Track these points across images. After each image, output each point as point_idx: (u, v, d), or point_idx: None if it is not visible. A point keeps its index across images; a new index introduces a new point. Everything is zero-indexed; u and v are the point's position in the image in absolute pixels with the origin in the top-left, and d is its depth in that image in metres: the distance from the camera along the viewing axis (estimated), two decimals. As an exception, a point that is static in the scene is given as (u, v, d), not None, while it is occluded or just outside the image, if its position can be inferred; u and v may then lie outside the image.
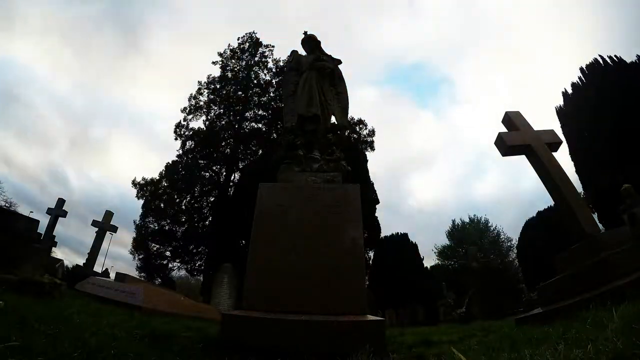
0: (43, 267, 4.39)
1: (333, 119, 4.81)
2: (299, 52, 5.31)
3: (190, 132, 21.35)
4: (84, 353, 1.56)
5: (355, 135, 21.17)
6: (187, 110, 21.77)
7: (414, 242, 19.95)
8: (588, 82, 15.27)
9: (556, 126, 14.88)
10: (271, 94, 22.32)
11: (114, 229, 13.29)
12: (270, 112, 21.94)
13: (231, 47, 23.52)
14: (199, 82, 22.54)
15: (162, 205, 19.44)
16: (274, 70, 22.90)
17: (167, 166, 20.34)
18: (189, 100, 22.06)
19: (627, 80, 13.28)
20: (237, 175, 20.51)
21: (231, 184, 20.46)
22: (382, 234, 19.47)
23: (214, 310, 7.70)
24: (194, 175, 20.03)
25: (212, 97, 22.28)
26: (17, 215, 4.96)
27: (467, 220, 34.63)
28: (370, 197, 18.03)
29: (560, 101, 16.20)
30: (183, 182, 19.77)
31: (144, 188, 19.70)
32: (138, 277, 15.39)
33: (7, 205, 20.73)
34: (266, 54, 23.43)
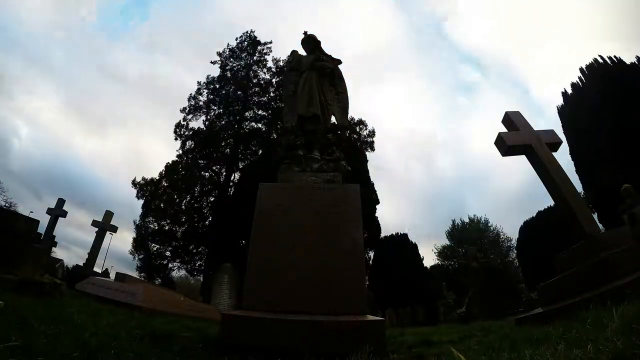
0: (43, 267, 4.39)
1: (333, 119, 4.81)
2: (299, 52, 5.32)
3: (190, 132, 21.36)
4: (84, 353, 1.56)
5: (355, 136, 21.18)
6: (186, 110, 21.78)
7: (414, 242, 19.98)
8: (588, 82, 15.28)
9: (556, 126, 14.88)
10: (271, 94, 22.32)
11: (114, 229, 13.29)
12: (270, 112, 21.94)
13: (230, 47, 23.53)
14: (198, 82, 22.60)
15: (162, 205, 19.44)
16: (273, 69, 22.91)
17: (167, 166, 20.35)
18: (189, 100, 22.10)
19: (627, 80, 13.29)
20: (237, 175, 20.53)
21: (231, 184, 20.47)
22: (382, 234, 19.50)
23: (214, 310, 7.70)
24: (194, 175, 20.04)
25: (211, 97, 22.29)
26: (17, 215, 4.96)
27: (467, 220, 34.67)
28: (370, 197, 18.04)
29: (560, 101, 16.23)
30: (183, 182, 19.78)
31: (144, 188, 19.71)
32: (138, 277, 15.40)
33: (7, 205, 20.71)
34: (265, 52, 23.42)
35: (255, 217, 3.45)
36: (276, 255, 3.20)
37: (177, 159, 20.80)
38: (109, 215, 12.63)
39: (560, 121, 15.86)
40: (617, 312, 1.71)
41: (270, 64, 23.14)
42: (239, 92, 22.52)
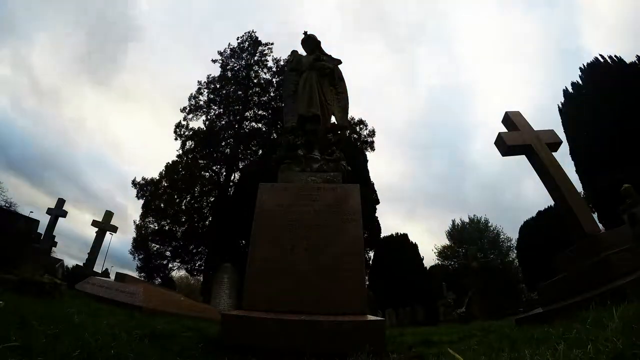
0: (43, 267, 4.39)
1: (333, 119, 4.81)
2: (299, 52, 5.32)
3: (190, 132, 21.36)
4: (84, 353, 1.56)
5: (355, 136, 21.18)
6: (186, 110, 21.78)
7: (414, 242, 19.96)
8: (588, 82, 15.28)
9: (556, 126, 14.87)
10: (271, 94, 22.32)
11: (114, 229, 13.29)
12: (270, 111, 21.94)
13: (231, 47, 23.54)
14: (198, 81, 22.58)
15: (162, 205, 19.44)
16: (274, 69, 22.91)
17: (167, 166, 20.35)
18: (189, 100, 22.09)
19: (627, 80, 13.29)
20: (237, 175, 20.53)
21: (231, 184, 20.47)
22: (382, 234, 19.50)
23: (214, 310, 7.69)
24: (194, 175, 20.04)
25: (211, 96, 22.29)
26: (17, 215, 4.96)
27: (467, 220, 34.68)
28: (370, 197, 18.04)
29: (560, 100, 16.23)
30: (183, 182, 19.77)
31: (144, 188, 19.71)
32: (138, 277, 15.40)
33: (7, 205, 20.72)
34: (265, 52, 23.44)
35: (255, 217, 3.46)
36: (276, 255, 3.20)
37: (177, 159, 20.81)
38: (108, 215, 12.63)
39: (560, 121, 15.86)
40: (617, 312, 1.71)
41: (270, 63, 23.18)
42: (239, 92, 22.52)
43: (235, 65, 23.26)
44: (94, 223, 12.34)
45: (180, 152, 20.92)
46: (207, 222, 19.85)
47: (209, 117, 21.87)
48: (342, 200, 3.53)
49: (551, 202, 5.92)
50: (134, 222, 19.63)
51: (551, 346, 1.59)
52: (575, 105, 15.15)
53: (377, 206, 19.40)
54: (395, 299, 15.78)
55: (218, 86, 22.49)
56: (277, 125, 20.05)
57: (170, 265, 19.60)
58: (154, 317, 4.20)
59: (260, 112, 22.54)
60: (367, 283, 16.28)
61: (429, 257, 31.41)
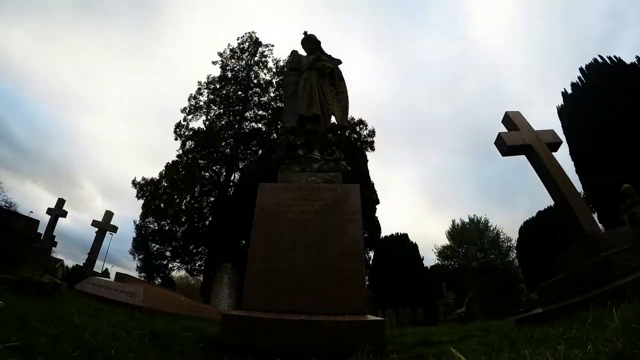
0: (43, 267, 4.39)
1: (333, 119, 4.81)
2: (299, 52, 5.32)
3: (190, 132, 21.36)
4: (84, 353, 1.56)
5: (355, 136, 21.18)
6: (187, 110, 21.78)
7: (414, 242, 19.97)
8: (588, 82, 15.28)
9: (556, 126, 14.87)
10: (271, 94, 22.33)
11: (114, 229, 13.29)
12: (270, 112, 21.95)
13: (231, 47, 23.56)
14: (198, 82, 22.58)
15: (162, 205, 19.43)
16: (274, 70, 22.93)
17: (167, 166, 20.34)
18: (189, 100, 22.09)
19: (627, 80, 13.29)
20: (237, 175, 20.52)
21: (231, 184, 20.47)
22: (382, 234, 19.50)
23: (214, 310, 7.70)
24: (194, 175, 20.03)
25: (211, 97, 22.29)
26: (17, 215, 4.96)
27: (467, 220, 34.70)
28: (370, 198, 18.04)
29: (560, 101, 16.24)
30: (183, 182, 19.76)
31: (144, 188, 19.70)
32: (138, 277, 15.40)
33: (7, 205, 20.72)
34: (266, 54, 23.48)
35: (255, 217, 3.46)
36: (276, 255, 3.20)
37: (177, 159, 20.80)
38: (108, 215, 12.63)
39: (560, 121, 15.86)
40: (617, 312, 1.71)
41: (270, 64, 23.20)
42: (239, 92, 22.54)
43: (236, 65, 23.28)
44: (94, 223, 12.34)
45: (180, 152, 20.94)
46: (207, 222, 19.84)
47: (209, 117, 21.88)
48: (342, 200, 3.53)
49: (551, 202, 5.93)
50: (134, 222, 19.65)
51: (551, 346, 1.59)
52: (575, 105, 15.15)
53: (377, 206, 19.41)
54: (395, 299, 15.78)
55: (218, 86, 22.49)
56: (277, 125, 20.05)
57: (170, 265, 19.60)
58: (154, 317, 4.20)
59: (260, 112, 22.54)
60: (367, 283, 16.28)
61: (429, 257, 31.49)
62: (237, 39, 23.86)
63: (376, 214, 19.03)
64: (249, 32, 23.97)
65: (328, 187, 3.69)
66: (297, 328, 2.57)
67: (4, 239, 3.66)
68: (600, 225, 5.37)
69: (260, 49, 23.61)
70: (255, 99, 22.61)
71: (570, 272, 3.30)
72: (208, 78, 22.62)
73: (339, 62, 5.12)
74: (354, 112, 22.04)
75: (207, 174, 21.01)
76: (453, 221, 35.00)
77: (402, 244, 19.21)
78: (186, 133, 21.32)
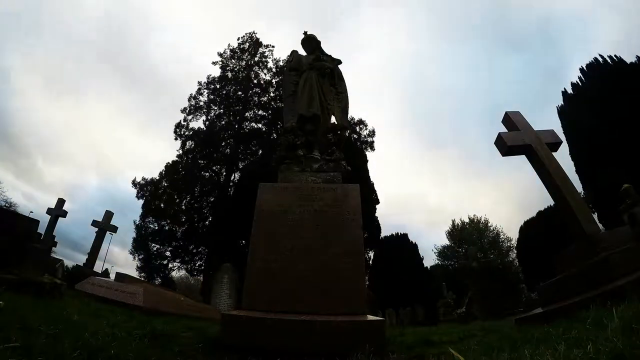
0: (43, 267, 4.39)
1: (333, 119, 4.81)
2: (299, 52, 5.32)
3: (190, 132, 21.38)
4: (84, 353, 1.56)
5: (355, 135, 21.19)
6: (187, 111, 21.81)
7: (413, 242, 19.98)
8: (588, 82, 15.28)
9: (556, 126, 14.87)
10: (271, 94, 22.34)
11: (114, 229, 13.28)
12: (270, 112, 21.96)
13: (231, 47, 23.57)
14: (198, 82, 22.63)
15: (162, 205, 19.44)
16: (274, 70, 22.94)
17: (167, 166, 20.36)
18: (189, 100, 22.13)
19: (627, 79, 13.29)
20: (237, 175, 20.54)
21: (231, 184, 20.48)
22: (382, 234, 19.51)
23: (214, 310, 7.70)
24: (194, 175, 20.04)
25: (212, 97, 22.32)
26: (17, 215, 4.96)
27: (467, 220, 34.70)
28: (370, 197, 18.04)
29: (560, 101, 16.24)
30: (183, 182, 19.77)
31: (144, 188, 19.72)
32: (138, 277, 15.39)
33: (7, 205, 20.72)
34: (266, 54, 23.50)
35: (255, 217, 3.46)
36: (276, 255, 3.20)
37: (177, 159, 20.82)
38: (109, 215, 12.63)
39: (560, 121, 15.86)
40: (617, 312, 1.71)
41: (270, 64, 23.22)
42: (239, 93, 22.55)
43: (236, 66, 23.31)
44: (94, 223, 12.34)
45: (180, 152, 20.95)
46: (207, 222, 19.85)
47: (209, 117, 21.91)
48: (342, 200, 3.53)
49: (551, 202, 5.93)
50: (134, 222, 19.65)
51: (551, 346, 1.58)
52: (575, 105, 15.15)
53: (377, 206, 19.42)
54: (395, 299, 15.78)
55: (218, 86, 22.52)
56: (277, 125, 20.06)
57: (170, 265, 19.61)
58: (154, 317, 4.20)
59: (260, 112, 22.57)
60: (367, 283, 16.28)
61: (429, 257, 31.48)
62: (238, 39, 23.94)
63: (376, 214, 19.05)
64: (249, 33, 24.03)
65: (328, 187, 3.69)
66: (297, 328, 2.57)
67: (4, 239, 3.66)
68: (600, 225, 5.37)
69: (260, 49, 23.65)
70: (255, 99, 22.64)
71: (570, 272, 3.29)
72: (208, 78, 22.67)
73: (339, 62, 5.12)
74: (354, 112, 22.08)
75: (207, 174, 21.02)
76: (453, 221, 35.03)
77: (402, 244, 19.22)
78: (186, 133, 21.35)
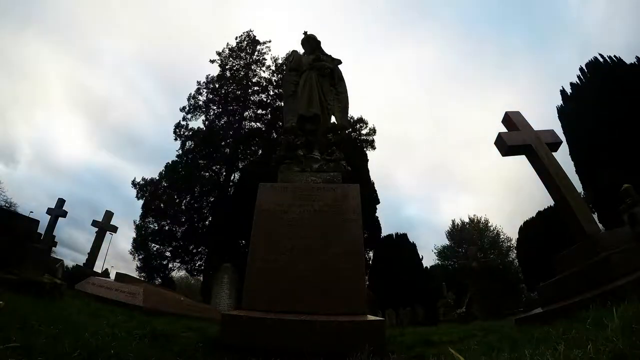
0: (43, 267, 4.39)
1: (333, 119, 4.81)
2: (299, 52, 5.32)
3: (190, 132, 21.37)
4: (84, 353, 1.56)
5: (355, 134, 21.19)
6: (186, 110, 21.79)
7: (413, 242, 19.96)
8: (588, 82, 15.28)
9: (556, 126, 14.87)
10: (270, 93, 22.34)
11: (114, 229, 13.27)
12: (269, 110, 21.96)
13: (229, 46, 23.56)
14: (197, 82, 22.60)
15: (162, 205, 19.43)
16: (272, 67, 22.94)
17: (167, 166, 20.34)
18: (188, 100, 22.11)
19: (627, 80, 13.30)
20: (237, 175, 20.53)
21: (231, 184, 20.47)
22: (382, 234, 19.49)
23: (214, 310, 7.70)
24: (194, 175, 20.03)
25: (210, 96, 22.31)
26: (17, 215, 4.95)
27: (466, 220, 34.71)
28: (370, 197, 18.04)
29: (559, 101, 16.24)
30: (183, 182, 19.76)
31: (144, 188, 19.70)
32: (138, 277, 15.38)
33: (7, 205, 20.72)
34: (264, 51, 23.48)
35: (255, 217, 3.46)
36: (276, 255, 3.20)
37: (177, 159, 20.80)
38: (109, 215, 12.62)
39: (559, 121, 15.86)
40: (617, 312, 1.71)
41: (269, 62, 23.21)
42: (238, 92, 22.54)
43: (234, 64, 23.29)
44: (94, 223, 12.33)
45: (180, 152, 20.94)
46: (207, 222, 19.84)
47: (208, 117, 21.90)
48: (342, 200, 3.53)
49: (551, 202, 5.92)
50: (134, 222, 19.64)
51: (551, 346, 1.59)
52: (575, 105, 15.15)
53: (377, 205, 19.41)
54: (395, 299, 15.77)
55: (217, 86, 22.50)
56: (277, 124, 20.06)
57: (170, 265, 19.59)
58: (154, 317, 4.20)
59: (259, 111, 22.56)
60: (367, 283, 16.28)
61: (429, 257, 31.49)
62: (236, 38, 23.90)
63: (376, 214, 19.05)
64: (247, 31, 24.01)
65: (328, 187, 3.69)
66: (297, 328, 2.57)
67: (4, 239, 3.66)
68: (600, 225, 5.37)
69: (258, 47, 23.63)
70: (254, 97, 22.63)
71: (570, 272, 3.29)
72: (207, 77, 22.65)
73: (339, 62, 5.12)
74: (354, 111, 22.08)
75: (207, 174, 21.01)
76: (453, 221, 35.05)
77: (402, 244, 19.21)
78: (186, 133, 21.34)
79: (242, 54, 23.48)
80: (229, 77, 22.75)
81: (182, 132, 21.32)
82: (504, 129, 4.53)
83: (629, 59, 14.49)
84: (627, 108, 12.56)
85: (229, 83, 22.59)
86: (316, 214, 3.43)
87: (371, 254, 18.91)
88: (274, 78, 22.45)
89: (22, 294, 3.06)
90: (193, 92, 22.26)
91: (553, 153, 4.13)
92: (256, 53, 23.56)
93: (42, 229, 9.69)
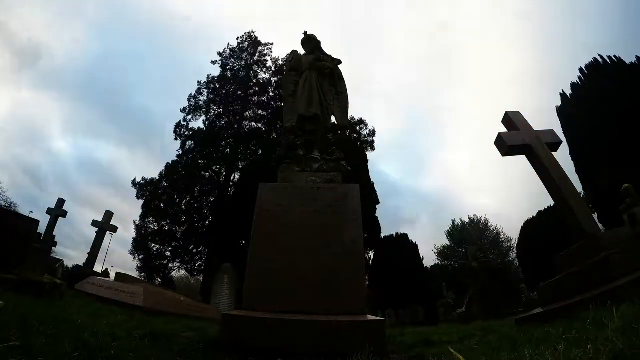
0: (43, 267, 4.39)
1: (333, 119, 4.81)
2: (299, 52, 5.31)
3: (190, 132, 21.37)
4: (84, 353, 1.56)
5: (355, 135, 21.18)
6: (186, 110, 21.80)
7: (413, 242, 19.96)
8: (587, 82, 15.28)
9: (556, 126, 14.86)
10: (271, 94, 22.34)
11: (114, 229, 13.28)
12: (270, 111, 21.96)
13: (231, 47, 23.58)
14: (198, 82, 22.61)
15: (162, 205, 19.43)
16: (273, 68, 22.94)
17: (167, 166, 20.35)
18: (189, 100, 22.13)
19: (627, 80, 13.30)
20: (237, 175, 20.53)
21: (231, 184, 20.48)
22: (382, 234, 19.49)
23: (214, 310, 7.70)
24: (194, 175, 20.03)
25: (211, 96, 22.32)
26: (17, 215, 4.96)
27: (467, 220, 34.71)
28: (370, 197, 18.03)
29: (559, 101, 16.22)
30: (183, 182, 19.76)
31: (144, 188, 19.70)
32: (138, 277, 15.39)
33: (7, 205, 20.72)
34: (265, 53, 23.51)
35: (255, 217, 3.45)
36: (276, 256, 3.20)
37: (177, 159, 20.80)
38: (109, 215, 12.63)
39: (559, 121, 15.85)
40: (617, 312, 1.71)
41: (270, 63, 23.23)
42: (239, 92, 22.54)
43: (235, 65, 23.31)
44: (94, 223, 12.34)
45: (180, 152, 20.94)
46: (207, 222, 19.84)
47: (208, 117, 21.91)
48: (342, 200, 3.52)
49: (551, 202, 5.91)
50: (134, 222, 19.65)
51: (551, 346, 1.58)
52: (575, 105, 15.15)
53: (377, 206, 19.41)
54: (395, 299, 15.77)
55: (218, 86, 22.51)
56: (277, 125, 20.06)
57: (170, 265, 19.59)
58: (154, 317, 4.20)
59: (260, 111, 22.57)
60: (367, 283, 16.28)
61: (429, 257, 31.48)
62: (237, 39, 23.93)
63: (376, 214, 19.04)
64: (249, 32, 24.03)
65: (328, 187, 3.69)
66: (297, 328, 2.57)
67: (4, 239, 3.66)
68: (600, 225, 5.36)
69: (259, 48, 23.65)
70: (255, 98, 22.63)
71: (570, 272, 3.30)
72: (208, 78, 22.66)
73: (339, 62, 5.11)
74: (354, 111, 22.08)
75: (207, 174, 21.02)
76: (453, 221, 35.05)
77: (402, 244, 19.20)
78: (186, 133, 21.34)
79: (244, 55, 23.51)
80: (230, 77, 22.77)
81: (182, 132, 21.33)
82: (503, 129, 4.53)
83: (629, 59, 14.51)
84: (628, 108, 12.55)
85: (229, 83, 22.60)
86: (316, 214, 3.43)
87: (371, 254, 18.91)
88: (274, 79, 22.46)
89: (22, 294, 3.06)
90: (194, 93, 22.30)
91: (553, 153, 4.13)
92: (257, 54, 23.59)
93: (42, 229, 9.72)
